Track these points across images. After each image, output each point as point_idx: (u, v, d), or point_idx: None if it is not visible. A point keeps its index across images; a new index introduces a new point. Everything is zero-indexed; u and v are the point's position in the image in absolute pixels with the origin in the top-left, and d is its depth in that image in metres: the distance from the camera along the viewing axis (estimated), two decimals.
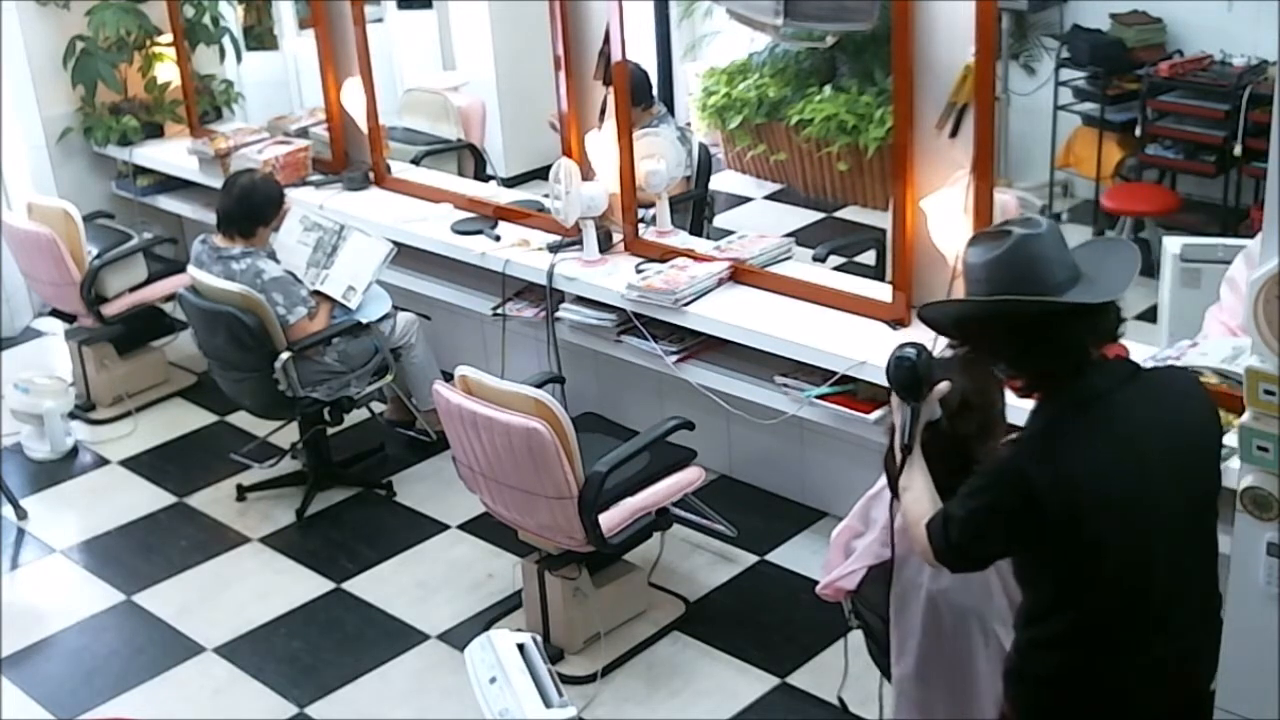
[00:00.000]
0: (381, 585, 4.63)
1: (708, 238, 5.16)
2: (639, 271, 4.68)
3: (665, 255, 4.73)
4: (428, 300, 5.39)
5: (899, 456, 2.74)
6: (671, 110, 6.26)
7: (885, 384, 3.83)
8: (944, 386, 2.72)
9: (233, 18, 6.73)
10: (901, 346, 2.74)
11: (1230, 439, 3.22)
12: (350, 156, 5.89)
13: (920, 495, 2.68)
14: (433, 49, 6.96)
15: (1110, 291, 2.47)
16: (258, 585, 4.68)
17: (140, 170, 6.53)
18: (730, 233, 4.96)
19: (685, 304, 4.46)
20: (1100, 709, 2.58)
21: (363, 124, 5.75)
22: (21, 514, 5.14)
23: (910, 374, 2.71)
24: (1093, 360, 2.49)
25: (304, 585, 4.66)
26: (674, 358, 4.52)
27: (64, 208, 5.65)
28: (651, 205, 4.93)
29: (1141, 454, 2.45)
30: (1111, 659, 2.51)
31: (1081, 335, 2.47)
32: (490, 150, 6.45)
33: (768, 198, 7.13)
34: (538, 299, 4.92)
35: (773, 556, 4.60)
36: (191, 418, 5.80)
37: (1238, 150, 5.79)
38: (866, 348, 4.05)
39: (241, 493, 5.17)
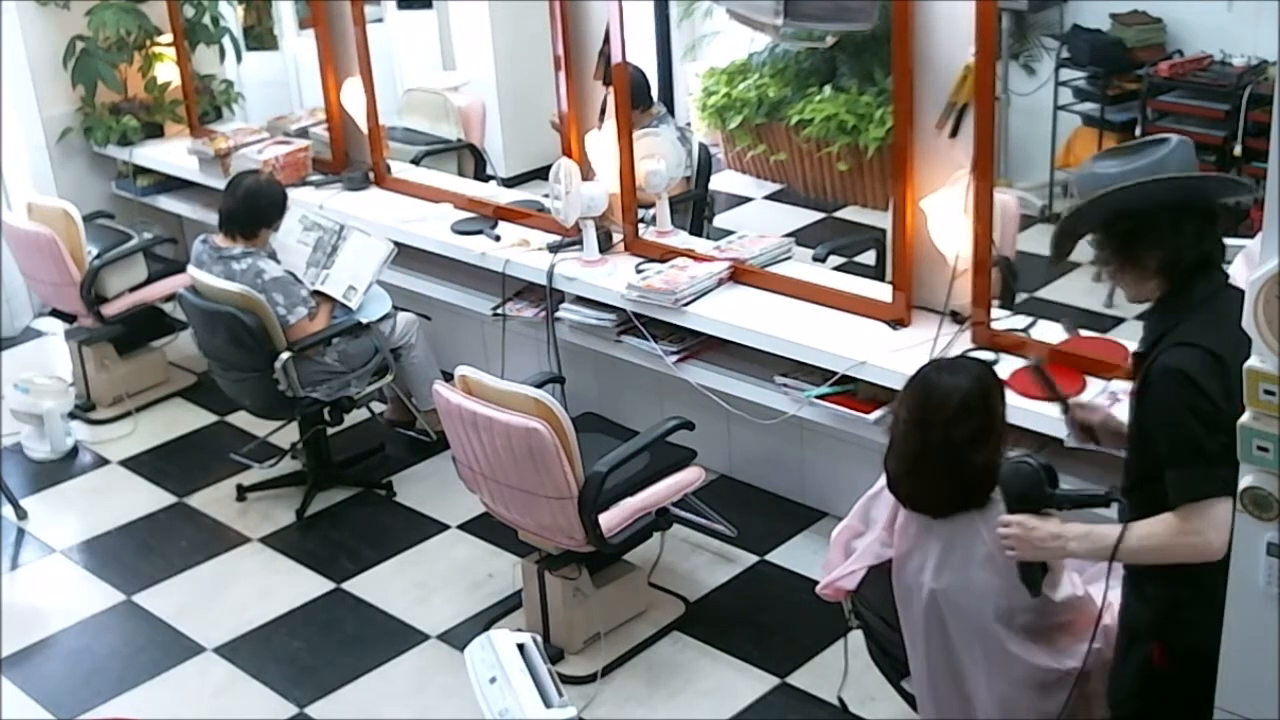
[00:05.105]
0: (381, 585, 4.63)
1: (708, 238, 5.15)
2: (639, 271, 4.67)
3: (665, 255, 4.73)
4: (428, 300, 5.39)
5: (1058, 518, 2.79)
6: (671, 110, 6.25)
7: (884, 384, 3.85)
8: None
9: (233, 18, 6.73)
10: (1022, 458, 2.83)
11: None
12: (350, 156, 5.89)
13: (1148, 524, 2.70)
14: (433, 49, 6.96)
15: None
16: (258, 585, 4.68)
17: (140, 170, 6.53)
18: (730, 233, 4.96)
19: (685, 304, 4.45)
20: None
21: (363, 124, 5.75)
22: (21, 514, 5.14)
23: (1032, 480, 2.80)
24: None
25: (304, 585, 4.66)
26: (674, 358, 4.51)
27: (64, 208, 5.65)
28: (651, 205, 4.93)
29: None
30: None
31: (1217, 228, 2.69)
32: (490, 150, 6.45)
33: (768, 198, 7.12)
34: (538, 299, 4.92)
35: (773, 556, 4.60)
36: (191, 418, 5.80)
37: (1238, 150, 5.78)
38: (866, 348, 4.05)
39: (241, 493, 5.16)
